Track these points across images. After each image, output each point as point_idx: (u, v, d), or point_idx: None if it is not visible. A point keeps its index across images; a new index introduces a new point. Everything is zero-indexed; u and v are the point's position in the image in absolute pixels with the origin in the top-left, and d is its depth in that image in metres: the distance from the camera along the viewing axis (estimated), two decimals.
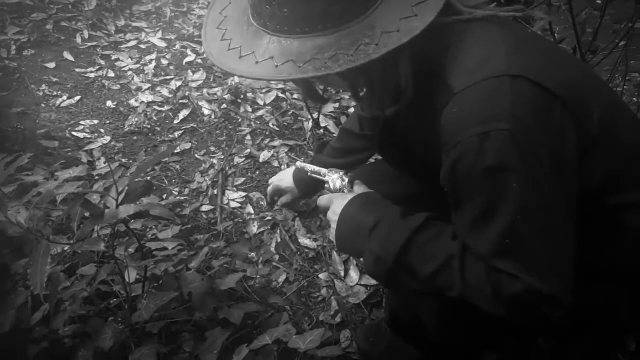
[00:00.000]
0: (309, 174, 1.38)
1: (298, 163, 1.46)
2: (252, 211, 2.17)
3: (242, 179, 2.33)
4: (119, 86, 2.87)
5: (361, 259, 1.66)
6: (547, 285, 0.86)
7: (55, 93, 2.75)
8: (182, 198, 2.19)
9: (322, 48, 0.86)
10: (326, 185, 1.29)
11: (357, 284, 1.86)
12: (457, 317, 1.04)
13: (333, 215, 1.15)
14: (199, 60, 3.12)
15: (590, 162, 0.91)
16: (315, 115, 2.62)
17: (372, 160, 1.82)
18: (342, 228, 1.11)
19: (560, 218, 0.88)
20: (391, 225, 1.02)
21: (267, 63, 0.88)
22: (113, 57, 3.09)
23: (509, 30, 0.96)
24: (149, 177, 2.26)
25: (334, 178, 1.27)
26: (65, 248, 1.43)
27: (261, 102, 2.79)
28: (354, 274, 1.89)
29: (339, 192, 1.26)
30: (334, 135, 2.58)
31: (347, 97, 2.84)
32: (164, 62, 3.10)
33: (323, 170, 1.33)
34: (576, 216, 0.90)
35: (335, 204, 1.16)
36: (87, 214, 1.20)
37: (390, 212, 1.05)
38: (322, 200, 1.21)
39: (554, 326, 0.92)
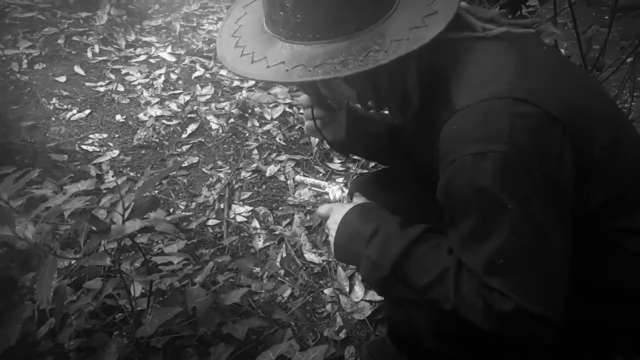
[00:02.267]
0: (308, 187, 1.39)
1: (298, 177, 1.47)
2: (258, 226, 2.18)
3: (249, 194, 2.34)
4: (128, 100, 2.90)
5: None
6: (537, 306, 0.87)
7: (65, 107, 2.78)
8: (189, 213, 2.20)
9: (333, 54, 0.87)
10: (326, 197, 1.30)
11: (362, 299, 1.86)
12: (454, 332, 1.05)
13: (333, 224, 1.16)
14: (208, 75, 3.16)
15: (590, 185, 0.91)
16: None
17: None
18: (341, 235, 1.12)
19: (553, 240, 0.88)
20: (390, 234, 1.03)
21: (278, 67, 0.90)
22: (123, 72, 3.13)
23: (519, 49, 0.96)
24: (156, 191, 2.28)
25: (334, 189, 1.29)
26: (72, 262, 1.44)
27: (268, 117, 2.81)
28: (359, 290, 1.89)
29: (335, 200, 1.27)
30: None
31: None
32: (173, 76, 3.13)
33: (323, 183, 1.35)
34: (571, 238, 0.90)
35: (335, 213, 1.17)
36: (94, 228, 1.21)
37: (390, 221, 1.06)
38: (322, 209, 1.22)
39: (542, 344, 0.92)
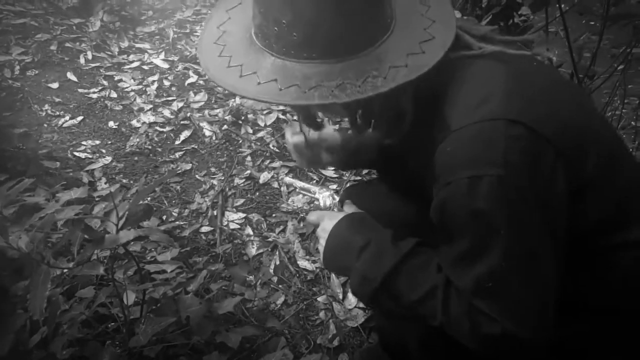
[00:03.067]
0: (297, 190, 1.39)
1: (287, 179, 1.47)
2: (251, 233, 2.18)
3: (242, 200, 2.34)
4: (121, 107, 2.89)
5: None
6: (525, 330, 0.87)
7: (58, 113, 2.77)
8: (183, 223, 2.19)
9: (329, 75, 0.85)
10: (316, 202, 1.30)
11: (355, 307, 1.86)
12: (441, 345, 1.05)
13: (323, 232, 1.15)
14: (201, 82, 3.16)
15: (585, 202, 0.92)
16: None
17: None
18: (331, 245, 1.12)
19: (544, 264, 0.88)
20: (381, 248, 1.03)
21: (270, 85, 0.87)
22: (116, 78, 3.12)
23: (514, 68, 0.96)
24: (149, 199, 2.27)
25: (325, 196, 1.28)
26: (65, 270, 1.43)
27: (262, 124, 2.81)
28: (352, 297, 1.89)
29: (329, 210, 1.27)
30: None
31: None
32: (167, 83, 3.13)
33: (313, 187, 1.35)
34: (563, 257, 0.91)
35: (325, 222, 1.16)
36: (86, 236, 1.21)
37: (381, 235, 1.06)
38: (312, 216, 1.21)
39: None
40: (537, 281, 0.88)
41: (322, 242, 1.15)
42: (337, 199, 1.27)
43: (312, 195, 1.33)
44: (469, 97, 0.91)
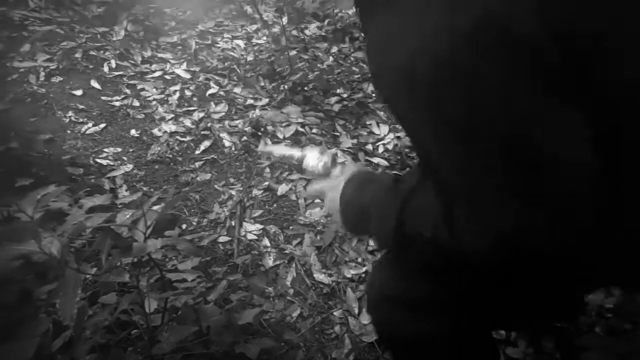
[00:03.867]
0: (278, 160, 1.31)
1: (261, 147, 1.40)
2: (268, 244, 2.20)
3: (260, 212, 2.36)
4: (143, 115, 2.93)
5: None
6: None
7: (81, 120, 2.82)
8: (205, 233, 2.21)
9: None
10: (304, 166, 1.25)
11: (371, 322, 1.86)
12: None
13: (332, 203, 1.12)
14: (222, 93, 3.19)
15: None
16: (334, 150, 2.66)
17: None
18: (346, 219, 1.10)
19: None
20: (384, 206, 0.99)
21: None
22: (139, 87, 3.17)
23: None
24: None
25: (313, 160, 1.23)
26: (88, 276, 1.46)
27: (281, 136, 2.83)
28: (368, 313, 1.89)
29: (323, 174, 1.22)
30: None
31: (365, 133, 2.88)
32: (188, 93, 3.17)
33: (296, 153, 1.27)
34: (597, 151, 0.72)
35: (330, 194, 1.13)
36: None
37: (382, 194, 1.01)
38: (313, 188, 1.19)
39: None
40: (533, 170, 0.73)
41: (336, 216, 1.12)
42: (327, 156, 1.22)
43: (295, 163, 1.27)
44: None
